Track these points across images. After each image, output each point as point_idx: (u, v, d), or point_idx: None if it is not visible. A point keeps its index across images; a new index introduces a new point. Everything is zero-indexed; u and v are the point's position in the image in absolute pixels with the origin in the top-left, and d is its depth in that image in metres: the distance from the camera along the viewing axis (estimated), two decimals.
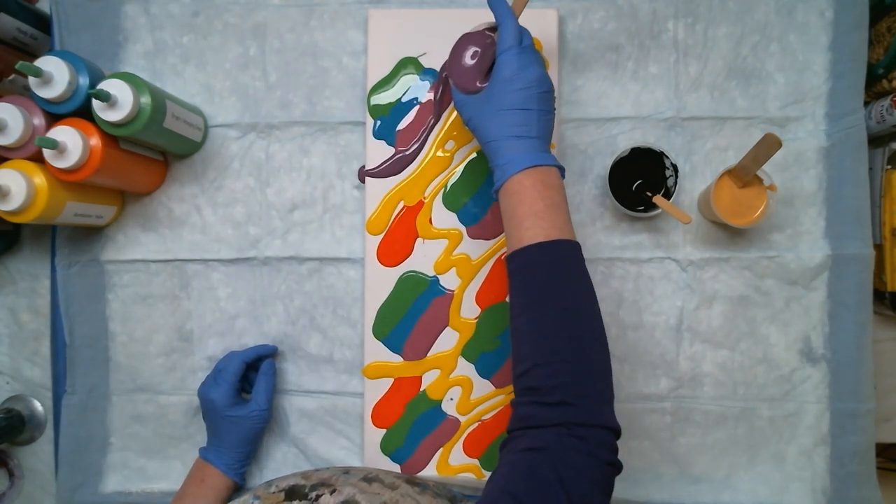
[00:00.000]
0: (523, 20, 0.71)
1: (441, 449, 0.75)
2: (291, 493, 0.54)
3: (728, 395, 0.75)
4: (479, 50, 0.64)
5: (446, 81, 0.64)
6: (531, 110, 0.58)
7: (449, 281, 0.75)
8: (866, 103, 0.75)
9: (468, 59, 0.64)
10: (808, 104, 0.75)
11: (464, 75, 0.64)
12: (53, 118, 0.66)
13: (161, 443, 0.79)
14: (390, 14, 0.75)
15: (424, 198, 0.75)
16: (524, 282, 0.55)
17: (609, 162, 0.71)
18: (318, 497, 0.53)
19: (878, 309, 0.78)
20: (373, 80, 0.75)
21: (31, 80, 0.62)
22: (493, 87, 0.60)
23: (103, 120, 0.63)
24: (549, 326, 0.53)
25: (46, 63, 0.62)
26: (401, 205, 0.75)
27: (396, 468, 0.75)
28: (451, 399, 0.75)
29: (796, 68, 0.75)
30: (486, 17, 0.75)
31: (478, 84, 0.63)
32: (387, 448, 0.75)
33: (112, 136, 0.66)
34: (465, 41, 0.65)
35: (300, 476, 0.59)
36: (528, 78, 0.58)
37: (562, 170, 0.59)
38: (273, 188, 0.78)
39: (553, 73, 0.74)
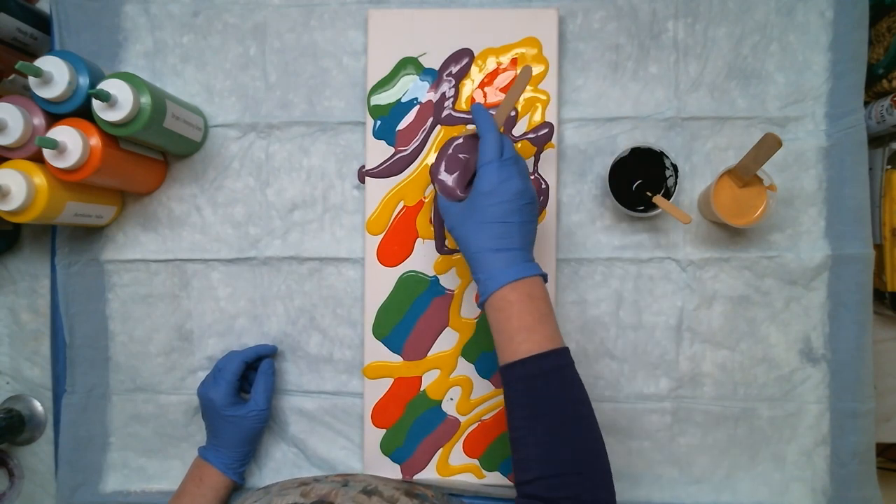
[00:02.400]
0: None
1: (441, 449, 0.75)
2: None
3: (728, 395, 0.75)
4: (463, 158, 0.65)
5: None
6: (512, 223, 0.59)
7: (449, 281, 0.75)
8: (866, 103, 0.75)
9: (452, 167, 0.65)
10: (808, 104, 0.75)
11: (447, 182, 0.65)
12: (53, 118, 0.66)
13: (161, 442, 0.79)
14: (390, 14, 0.75)
15: (424, 198, 0.75)
16: (522, 394, 0.56)
17: (609, 162, 0.71)
18: None
19: (878, 309, 0.78)
20: (373, 80, 0.75)
21: (31, 80, 0.62)
22: (474, 200, 0.61)
23: (103, 120, 0.63)
24: (551, 438, 0.54)
25: (46, 63, 0.62)
26: (401, 205, 0.75)
27: (396, 468, 0.75)
28: (451, 399, 0.75)
29: (796, 68, 0.75)
30: (486, 17, 0.75)
31: (460, 193, 0.64)
32: (387, 448, 0.75)
33: (112, 136, 0.66)
34: (450, 148, 0.66)
35: (299, 492, 0.58)
36: (509, 191, 0.59)
37: (545, 276, 0.60)
38: (273, 188, 0.78)
39: (553, 73, 0.74)
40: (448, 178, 0.65)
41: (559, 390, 0.56)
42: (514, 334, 0.57)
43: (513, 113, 0.74)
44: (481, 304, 0.59)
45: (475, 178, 0.61)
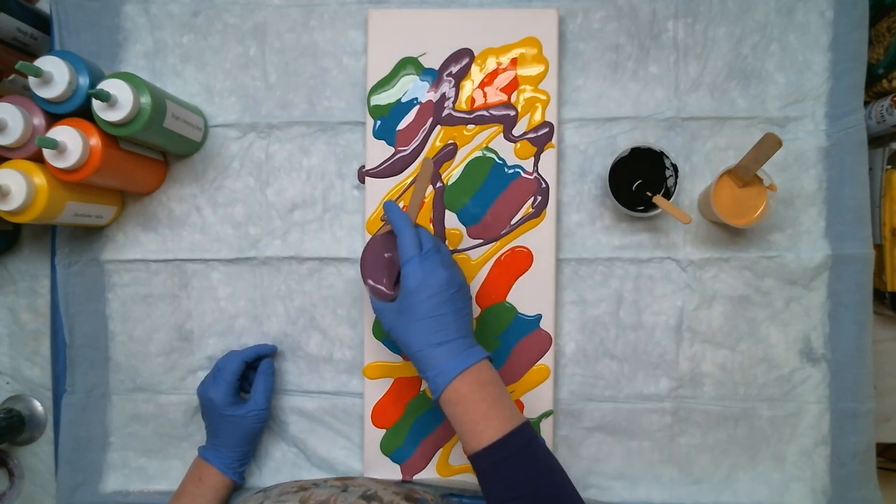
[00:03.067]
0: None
1: (441, 449, 0.75)
2: None
3: (728, 395, 0.75)
4: (387, 256, 0.65)
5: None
6: (446, 314, 0.59)
7: None
8: (866, 103, 0.75)
9: (379, 267, 0.65)
10: (808, 104, 0.75)
11: (376, 283, 0.65)
12: (53, 118, 0.66)
13: (161, 442, 0.79)
14: (390, 14, 0.75)
15: (424, 198, 0.75)
16: (495, 479, 0.56)
17: (609, 162, 0.71)
18: None
19: (878, 309, 0.78)
20: (373, 80, 0.75)
21: (31, 80, 0.62)
22: (403, 299, 0.61)
23: (103, 120, 0.63)
24: None
25: (46, 63, 0.62)
26: (401, 205, 0.75)
27: (396, 468, 0.75)
28: None
29: (796, 68, 0.75)
30: (486, 17, 0.75)
31: (390, 292, 0.64)
32: (387, 448, 0.75)
33: (112, 136, 0.66)
34: (373, 247, 0.66)
35: (297, 498, 0.59)
36: (436, 284, 0.59)
37: (489, 357, 0.60)
38: (273, 188, 0.78)
39: (553, 73, 0.74)
40: (376, 280, 0.65)
41: (530, 466, 0.56)
42: (474, 425, 0.57)
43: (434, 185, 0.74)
44: (435, 402, 0.60)
45: (400, 277, 0.61)
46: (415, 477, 0.75)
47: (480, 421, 0.57)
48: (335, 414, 0.78)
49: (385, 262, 0.65)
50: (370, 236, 0.67)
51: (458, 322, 0.60)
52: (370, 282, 0.65)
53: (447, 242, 0.75)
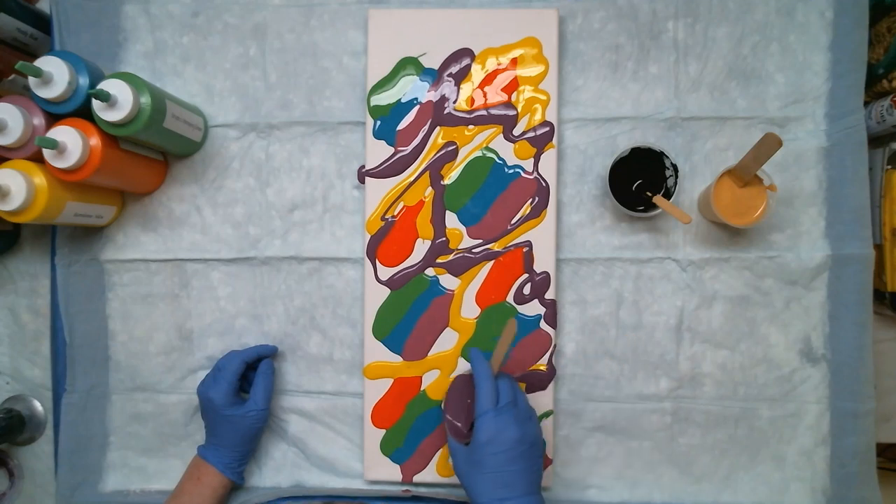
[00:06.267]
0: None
1: (441, 449, 0.75)
2: None
3: (728, 395, 0.75)
4: (465, 398, 0.66)
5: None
6: (513, 471, 0.59)
7: (449, 281, 0.75)
8: (866, 103, 0.75)
9: (459, 406, 0.66)
10: (808, 104, 0.75)
11: (454, 422, 0.66)
12: (53, 118, 0.66)
13: (160, 442, 0.79)
14: (390, 14, 0.75)
15: (424, 198, 0.75)
16: None
17: (609, 162, 0.71)
18: None
19: (878, 309, 0.78)
20: (373, 80, 0.75)
21: (31, 80, 0.62)
22: (474, 449, 0.61)
23: (103, 120, 0.63)
24: None
25: (46, 63, 0.62)
26: (401, 205, 0.75)
27: (396, 469, 0.75)
28: None
29: (796, 68, 0.75)
30: (486, 17, 0.75)
31: (464, 433, 0.65)
32: (386, 448, 0.75)
33: (112, 136, 0.66)
34: (457, 386, 0.67)
35: None
36: (507, 441, 0.59)
37: None
38: (273, 188, 0.78)
39: (553, 73, 0.74)
40: (455, 418, 0.66)
41: None
42: None
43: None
44: None
45: (474, 427, 0.61)
46: (414, 478, 0.75)
47: None
48: (335, 414, 0.78)
49: (465, 404, 0.67)
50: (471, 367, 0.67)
51: (525, 480, 0.59)
52: (449, 418, 0.66)
53: (447, 243, 0.75)
